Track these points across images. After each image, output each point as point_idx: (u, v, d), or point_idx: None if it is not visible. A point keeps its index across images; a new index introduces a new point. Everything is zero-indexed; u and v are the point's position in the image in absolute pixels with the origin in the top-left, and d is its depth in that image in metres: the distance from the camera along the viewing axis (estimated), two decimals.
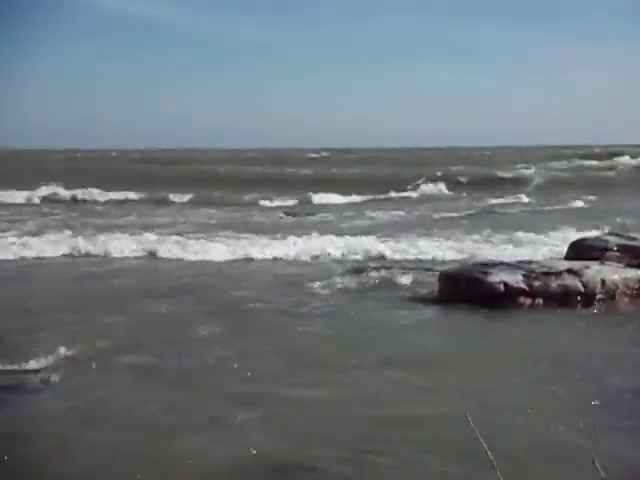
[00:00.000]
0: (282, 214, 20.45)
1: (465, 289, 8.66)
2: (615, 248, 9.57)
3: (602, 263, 8.89)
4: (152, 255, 12.57)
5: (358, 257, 12.06)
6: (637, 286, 8.47)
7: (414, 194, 26.84)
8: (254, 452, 4.46)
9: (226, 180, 30.61)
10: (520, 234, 13.44)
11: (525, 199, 23.48)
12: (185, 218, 19.08)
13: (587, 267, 8.60)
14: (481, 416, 4.06)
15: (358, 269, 10.50)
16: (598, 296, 8.28)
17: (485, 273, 8.68)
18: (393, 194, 25.99)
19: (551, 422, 4.82)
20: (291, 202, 24.04)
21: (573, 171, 31.83)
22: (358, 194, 25.43)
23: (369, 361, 6.32)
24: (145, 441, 4.69)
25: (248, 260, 12.08)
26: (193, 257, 12.29)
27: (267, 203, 23.76)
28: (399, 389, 5.65)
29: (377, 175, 31.90)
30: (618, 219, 15.40)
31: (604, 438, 4.31)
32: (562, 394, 5.41)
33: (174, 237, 13.87)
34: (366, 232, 14.15)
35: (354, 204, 23.62)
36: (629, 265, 8.93)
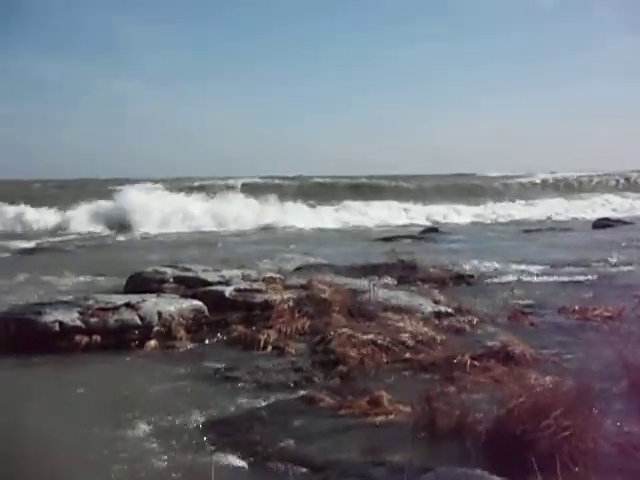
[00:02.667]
0: None
1: (16, 333, 7.94)
2: (172, 280, 9.86)
3: (159, 295, 9.02)
4: None
5: None
6: (192, 315, 8.74)
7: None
8: None
9: None
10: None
11: None
12: None
13: (144, 300, 8.61)
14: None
15: None
16: (155, 329, 8.27)
17: (39, 313, 8.09)
18: None
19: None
20: None
21: None
22: None
23: None
24: None
25: None
26: None
27: None
28: None
29: None
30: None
31: None
32: (114, 437, 5.18)
33: None
34: None
35: None
36: (184, 295, 9.24)
